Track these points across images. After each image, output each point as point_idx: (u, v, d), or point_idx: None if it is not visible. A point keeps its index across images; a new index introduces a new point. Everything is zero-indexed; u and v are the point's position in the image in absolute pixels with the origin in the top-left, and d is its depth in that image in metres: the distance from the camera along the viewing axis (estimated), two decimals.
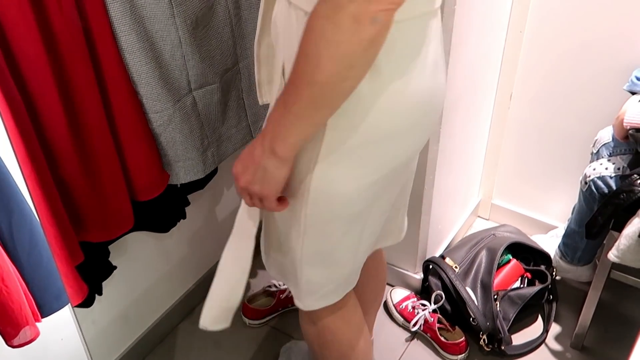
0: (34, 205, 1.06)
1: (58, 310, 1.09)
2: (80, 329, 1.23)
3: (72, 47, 1.08)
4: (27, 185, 1.05)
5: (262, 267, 2.06)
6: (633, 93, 1.58)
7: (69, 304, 1.13)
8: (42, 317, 1.06)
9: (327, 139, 0.90)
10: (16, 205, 0.98)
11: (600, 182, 1.54)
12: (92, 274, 1.34)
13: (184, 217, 1.58)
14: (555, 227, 2.00)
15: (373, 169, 0.95)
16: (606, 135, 1.63)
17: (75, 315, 1.18)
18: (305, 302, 1.14)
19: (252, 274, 2.01)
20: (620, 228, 1.42)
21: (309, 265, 1.06)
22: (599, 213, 1.46)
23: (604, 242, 1.58)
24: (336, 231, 1.02)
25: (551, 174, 1.98)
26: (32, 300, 1.03)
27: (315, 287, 1.11)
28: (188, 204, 1.58)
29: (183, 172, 1.40)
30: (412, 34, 0.87)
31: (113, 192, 1.25)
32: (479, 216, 2.21)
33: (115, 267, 1.44)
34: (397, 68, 0.86)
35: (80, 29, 1.08)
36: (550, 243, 1.91)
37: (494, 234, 1.88)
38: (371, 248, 1.17)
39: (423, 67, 0.90)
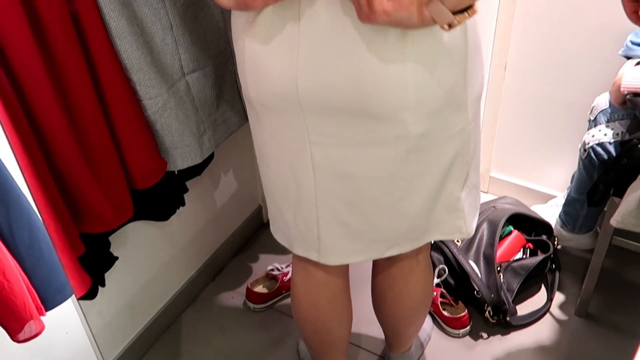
0: (33, 198, 1.04)
1: (62, 302, 1.07)
2: (86, 320, 1.22)
3: (62, 35, 1.05)
4: (24, 179, 1.03)
5: (264, 252, 2.06)
6: (628, 58, 1.57)
7: (73, 296, 1.12)
8: (46, 310, 1.05)
9: None
10: (13, 199, 0.96)
11: (599, 149, 1.53)
12: (93, 265, 1.33)
13: (183, 204, 1.57)
14: (555, 197, 2.00)
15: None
16: (603, 101, 1.62)
17: (81, 307, 1.17)
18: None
19: (254, 258, 2.01)
20: (621, 194, 1.42)
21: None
22: (600, 180, 1.45)
23: (605, 209, 1.58)
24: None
25: (548, 144, 1.97)
26: (35, 294, 1.02)
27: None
28: (187, 190, 1.57)
29: (180, 159, 1.38)
30: None
31: (111, 181, 1.23)
32: None
33: (116, 258, 1.43)
34: None
35: (69, 15, 1.06)
36: (550, 212, 1.91)
37: (494, 207, 1.87)
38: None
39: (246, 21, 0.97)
